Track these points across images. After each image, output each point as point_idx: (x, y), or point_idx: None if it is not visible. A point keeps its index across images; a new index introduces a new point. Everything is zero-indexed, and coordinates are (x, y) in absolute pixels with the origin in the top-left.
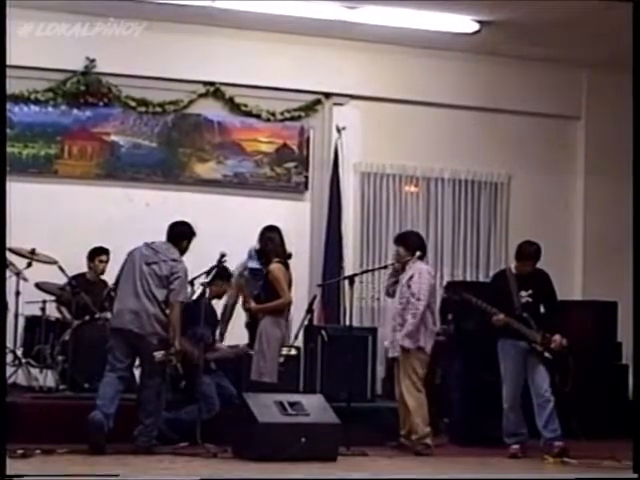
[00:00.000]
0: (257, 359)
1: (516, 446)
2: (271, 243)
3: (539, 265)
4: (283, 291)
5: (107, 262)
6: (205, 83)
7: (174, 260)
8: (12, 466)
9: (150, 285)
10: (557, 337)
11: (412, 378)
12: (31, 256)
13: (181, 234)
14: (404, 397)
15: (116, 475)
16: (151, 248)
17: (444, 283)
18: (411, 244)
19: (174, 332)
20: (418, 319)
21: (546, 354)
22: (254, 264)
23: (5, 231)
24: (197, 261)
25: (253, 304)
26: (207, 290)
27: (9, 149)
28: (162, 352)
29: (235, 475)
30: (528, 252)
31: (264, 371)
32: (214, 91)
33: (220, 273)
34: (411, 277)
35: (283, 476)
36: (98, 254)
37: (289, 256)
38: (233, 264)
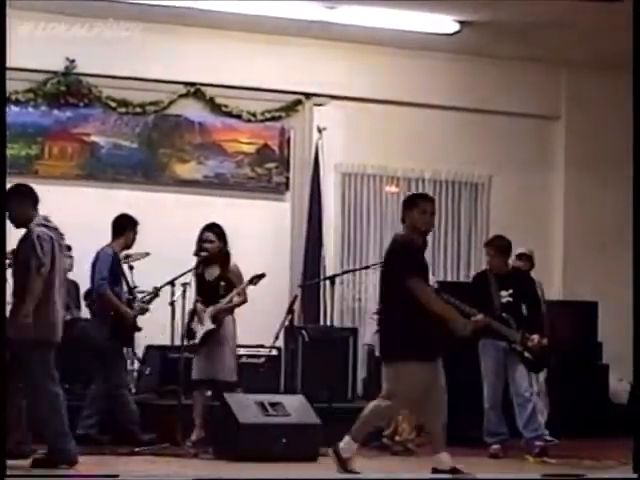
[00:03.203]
0: (228, 360)
1: (496, 446)
2: (223, 241)
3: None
4: (243, 290)
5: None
6: (185, 84)
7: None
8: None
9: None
10: (535, 337)
11: None
12: (11, 257)
13: (26, 194)
14: None
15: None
16: (57, 235)
17: None
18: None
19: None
20: None
21: (526, 354)
22: None
23: (5, 231)
24: (178, 261)
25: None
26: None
27: None
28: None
29: (216, 475)
30: (498, 245)
31: (234, 371)
32: (194, 92)
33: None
34: None
35: (264, 476)
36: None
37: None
38: None
